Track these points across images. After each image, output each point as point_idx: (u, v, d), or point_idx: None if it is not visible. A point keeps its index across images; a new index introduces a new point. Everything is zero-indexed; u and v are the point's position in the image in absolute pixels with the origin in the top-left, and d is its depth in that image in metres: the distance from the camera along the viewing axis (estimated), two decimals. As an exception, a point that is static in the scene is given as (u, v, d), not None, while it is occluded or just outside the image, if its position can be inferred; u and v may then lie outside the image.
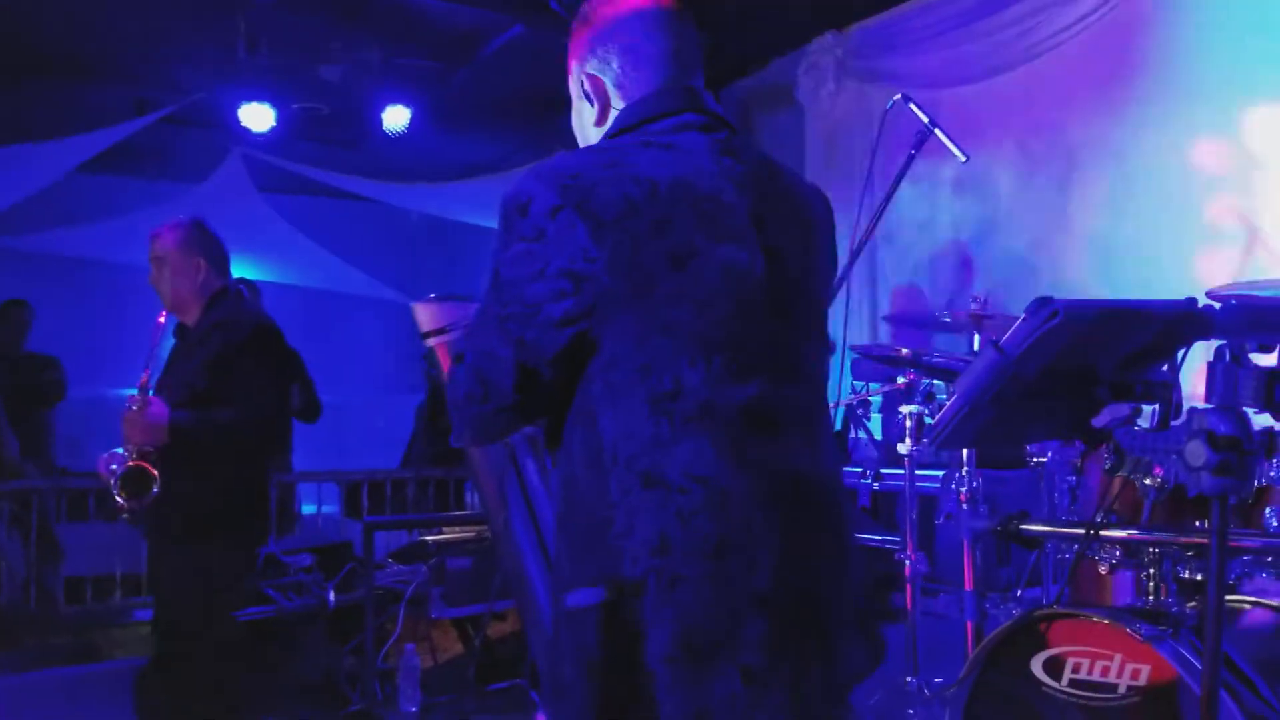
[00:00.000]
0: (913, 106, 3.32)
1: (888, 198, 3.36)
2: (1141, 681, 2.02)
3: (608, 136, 1.52)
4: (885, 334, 5.47)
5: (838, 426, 4.79)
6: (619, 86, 1.53)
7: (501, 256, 1.39)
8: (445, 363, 1.73)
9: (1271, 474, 2.24)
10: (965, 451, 2.98)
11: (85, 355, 6.69)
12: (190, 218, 3.09)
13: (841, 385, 4.22)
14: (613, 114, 1.54)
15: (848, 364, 3.76)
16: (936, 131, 3.27)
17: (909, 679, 3.20)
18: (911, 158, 3.32)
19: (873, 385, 4.57)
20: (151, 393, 2.85)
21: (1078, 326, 1.38)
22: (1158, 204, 4.39)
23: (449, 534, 4.24)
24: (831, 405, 2.95)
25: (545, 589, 1.63)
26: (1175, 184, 4.34)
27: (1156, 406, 1.49)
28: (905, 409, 3.33)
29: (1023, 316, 1.38)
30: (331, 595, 4.04)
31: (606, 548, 1.34)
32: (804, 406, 1.46)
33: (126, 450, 2.76)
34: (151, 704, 2.94)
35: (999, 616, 3.13)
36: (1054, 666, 2.14)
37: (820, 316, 1.56)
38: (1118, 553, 2.35)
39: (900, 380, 3.46)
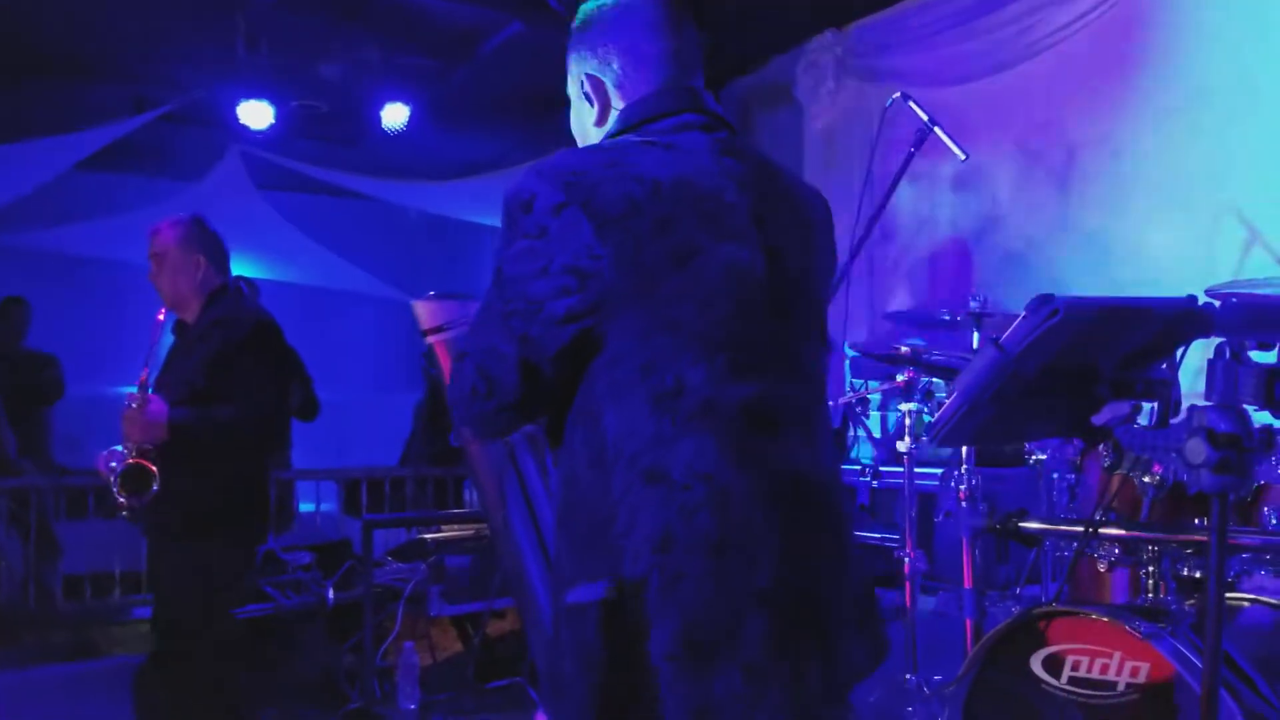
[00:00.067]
0: (912, 105, 3.32)
1: (887, 196, 3.36)
2: (1140, 679, 2.02)
3: (608, 136, 1.51)
4: (884, 332, 5.47)
5: (836, 424, 4.79)
6: (619, 87, 1.53)
7: (504, 253, 1.39)
8: (444, 360, 1.73)
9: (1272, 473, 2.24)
10: (964, 449, 2.99)
11: (84, 353, 6.68)
12: (190, 215, 3.08)
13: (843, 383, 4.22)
14: (613, 114, 1.53)
15: (847, 363, 3.76)
16: (936, 130, 3.27)
17: (908, 676, 3.21)
18: (911, 156, 3.32)
19: (872, 383, 4.57)
20: (151, 390, 2.84)
21: (1078, 324, 1.38)
22: (1157, 202, 4.40)
23: (448, 532, 4.25)
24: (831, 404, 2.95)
25: (544, 587, 1.63)
26: (1175, 182, 4.34)
27: (1156, 404, 1.50)
28: (904, 406, 3.34)
29: (1023, 314, 1.38)
30: (330, 593, 4.04)
31: (608, 545, 1.34)
32: (803, 406, 1.46)
33: (126, 448, 2.76)
34: (150, 701, 2.93)
35: (998, 614, 3.13)
36: (1053, 664, 2.14)
37: (820, 316, 1.56)
38: (1117, 550, 2.36)
39: (899, 378, 3.46)
